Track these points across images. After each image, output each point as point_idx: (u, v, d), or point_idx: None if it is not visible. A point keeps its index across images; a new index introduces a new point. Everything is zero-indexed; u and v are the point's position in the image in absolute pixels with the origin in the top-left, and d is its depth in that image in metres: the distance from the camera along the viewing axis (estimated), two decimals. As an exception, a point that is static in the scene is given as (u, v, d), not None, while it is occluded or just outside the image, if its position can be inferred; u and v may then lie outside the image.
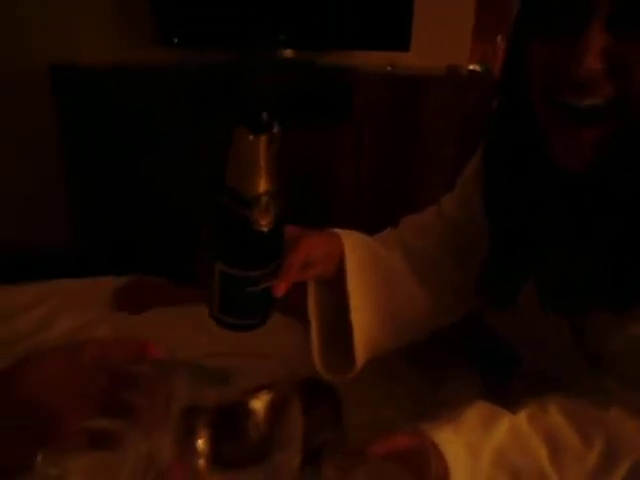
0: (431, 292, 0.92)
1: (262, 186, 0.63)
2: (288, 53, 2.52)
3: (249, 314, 0.72)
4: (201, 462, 0.43)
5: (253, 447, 0.42)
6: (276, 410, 0.43)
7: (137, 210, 2.48)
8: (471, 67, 2.58)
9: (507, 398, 0.79)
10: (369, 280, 0.87)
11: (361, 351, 0.85)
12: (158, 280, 1.35)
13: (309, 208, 2.37)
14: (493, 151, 0.83)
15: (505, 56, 0.77)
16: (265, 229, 0.65)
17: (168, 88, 2.35)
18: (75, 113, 2.40)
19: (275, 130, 0.59)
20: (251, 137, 0.59)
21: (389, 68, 2.53)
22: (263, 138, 0.59)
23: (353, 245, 0.86)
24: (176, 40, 2.45)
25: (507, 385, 0.93)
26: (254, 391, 0.45)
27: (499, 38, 2.56)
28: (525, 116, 0.73)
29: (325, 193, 2.50)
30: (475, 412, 0.73)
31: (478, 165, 0.91)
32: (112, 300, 1.27)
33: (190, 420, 0.46)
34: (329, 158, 2.46)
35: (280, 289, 0.71)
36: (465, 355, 1.04)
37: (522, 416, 0.73)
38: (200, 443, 0.44)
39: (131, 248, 2.47)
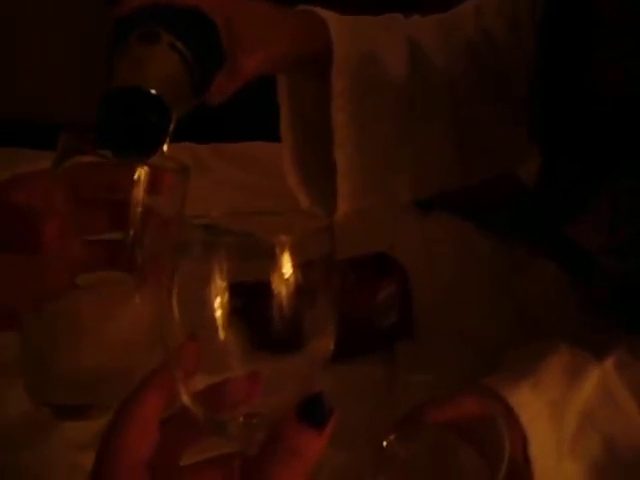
0: (437, 128, 0.72)
1: None
2: None
3: None
4: (221, 335, 0.32)
5: (278, 333, 0.32)
6: (304, 295, 0.32)
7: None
8: None
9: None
10: (363, 97, 0.69)
11: (344, 198, 0.71)
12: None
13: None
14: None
15: None
16: None
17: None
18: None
19: None
20: None
21: None
22: None
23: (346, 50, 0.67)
24: None
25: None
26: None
27: None
28: None
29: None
30: (557, 360, 0.59)
31: None
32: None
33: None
34: None
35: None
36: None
37: (609, 364, 0.59)
38: (218, 315, 0.32)
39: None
